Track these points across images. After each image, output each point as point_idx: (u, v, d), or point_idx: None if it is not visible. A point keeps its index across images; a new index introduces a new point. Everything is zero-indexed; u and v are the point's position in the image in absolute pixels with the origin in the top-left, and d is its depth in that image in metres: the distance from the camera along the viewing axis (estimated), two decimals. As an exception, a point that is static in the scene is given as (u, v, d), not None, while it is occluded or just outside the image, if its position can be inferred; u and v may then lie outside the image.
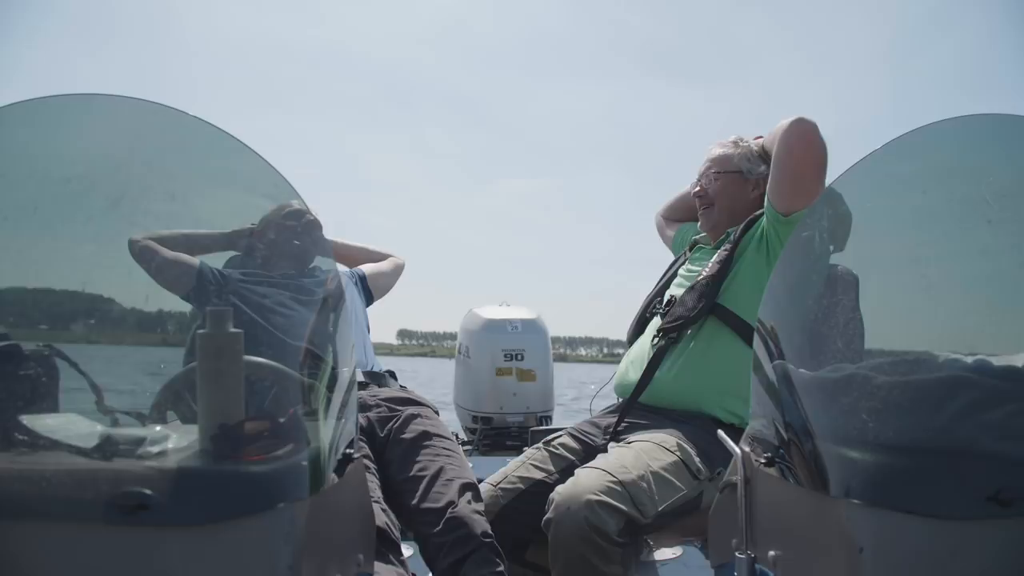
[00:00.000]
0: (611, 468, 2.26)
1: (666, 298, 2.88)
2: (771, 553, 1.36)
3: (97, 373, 1.33)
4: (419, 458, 2.54)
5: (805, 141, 2.43)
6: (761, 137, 2.89)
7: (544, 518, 2.23)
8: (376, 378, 3.04)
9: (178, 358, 1.38)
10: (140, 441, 1.18)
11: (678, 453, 2.40)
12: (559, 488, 2.25)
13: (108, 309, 1.40)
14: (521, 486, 2.56)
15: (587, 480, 2.21)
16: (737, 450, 1.48)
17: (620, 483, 2.20)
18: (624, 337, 3.04)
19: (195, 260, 1.63)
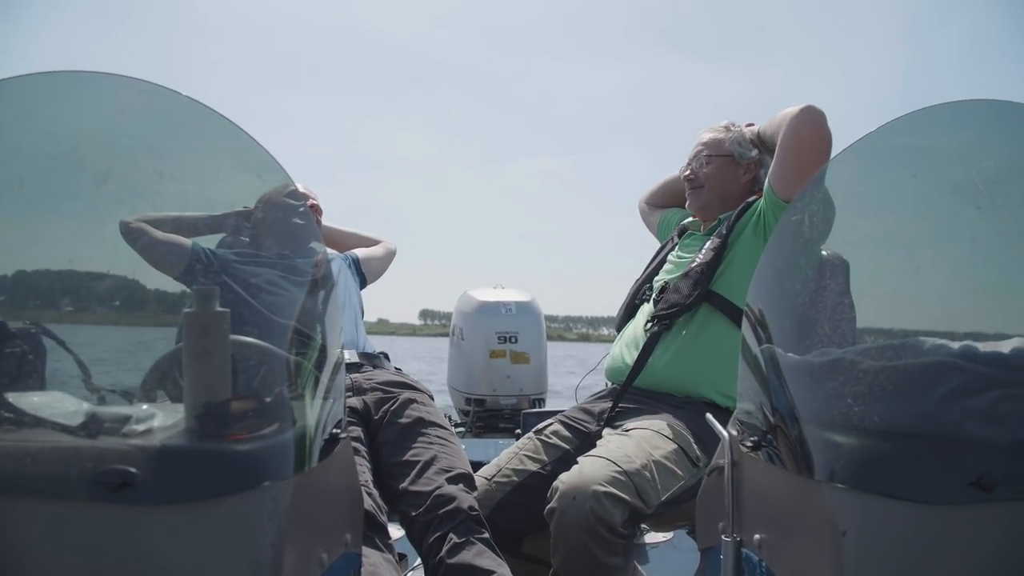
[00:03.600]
0: (615, 458, 2.24)
1: (656, 284, 2.86)
2: (756, 536, 1.36)
3: (85, 351, 1.33)
4: (414, 444, 2.54)
5: (814, 128, 2.44)
6: (753, 124, 2.89)
7: (547, 507, 2.21)
8: (370, 359, 3.04)
9: (166, 336, 1.38)
10: (125, 419, 1.18)
11: (677, 441, 2.39)
12: (563, 477, 2.23)
13: (95, 287, 1.40)
14: (516, 478, 2.54)
15: (591, 470, 2.20)
16: (724, 434, 1.48)
17: (625, 473, 2.19)
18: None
19: (187, 241, 1.63)
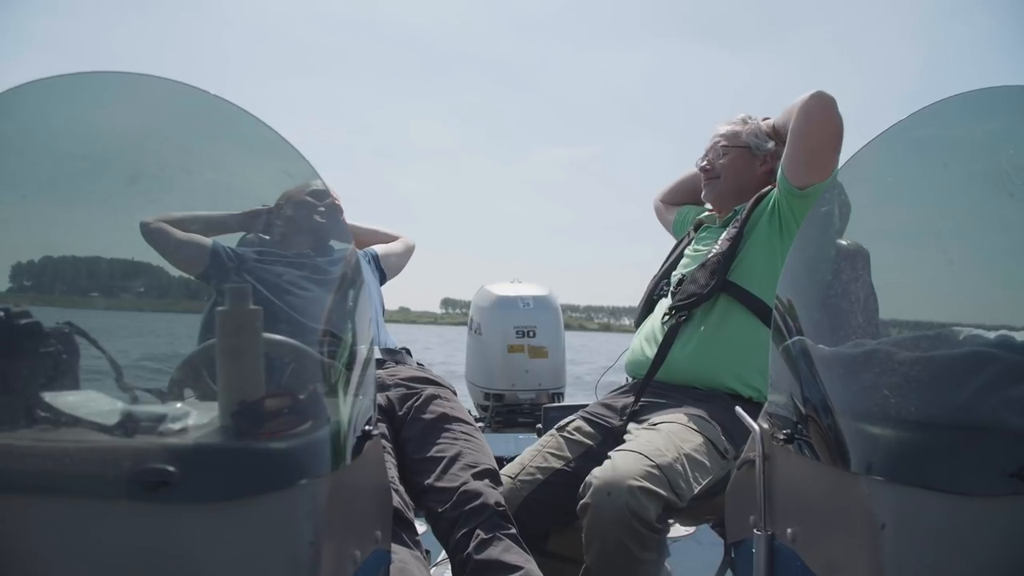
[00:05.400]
0: (647, 451, 2.22)
1: (674, 279, 2.87)
2: (790, 530, 1.36)
3: (117, 348, 1.33)
4: (439, 440, 2.54)
5: (824, 114, 2.42)
6: (769, 118, 2.89)
7: (580, 503, 2.20)
8: (393, 354, 3.04)
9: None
10: (161, 418, 1.18)
11: (705, 433, 2.39)
12: (596, 472, 2.21)
13: (126, 285, 1.41)
14: (540, 476, 2.53)
15: (625, 465, 2.18)
16: (755, 427, 1.48)
17: (658, 467, 2.17)
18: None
19: (208, 240, 1.63)
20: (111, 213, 1.39)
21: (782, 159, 2.60)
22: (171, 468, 1.10)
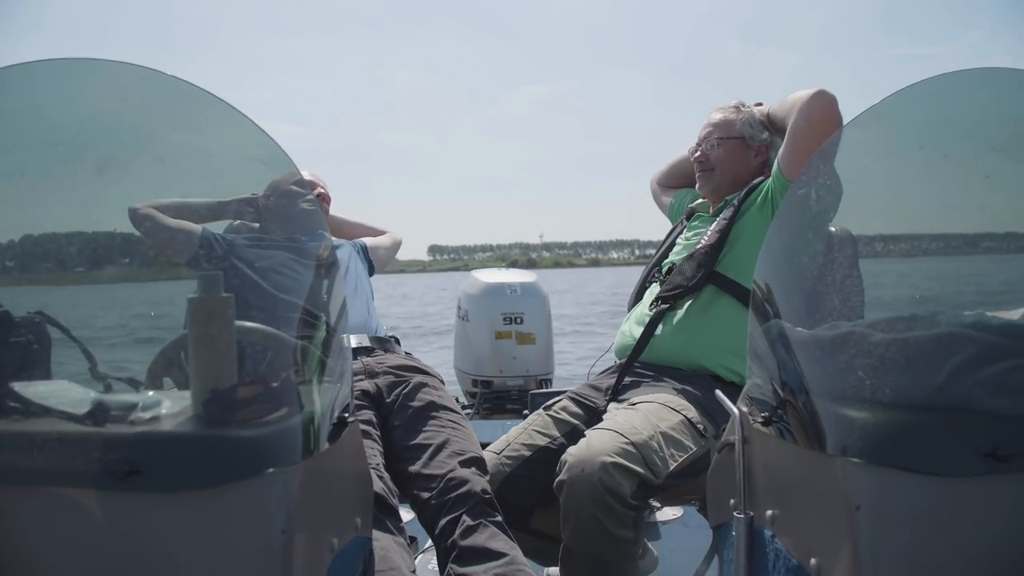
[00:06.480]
0: (622, 429, 2.25)
1: (665, 266, 2.88)
2: (769, 512, 1.35)
3: (90, 337, 1.33)
4: (425, 428, 2.55)
5: (826, 113, 2.44)
6: (762, 104, 2.90)
7: (556, 480, 2.22)
8: (382, 343, 3.05)
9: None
10: (132, 407, 1.17)
11: (683, 412, 2.41)
12: (571, 450, 2.24)
13: (96, 274, 1.40)
14: (526, 453, 2.55)
15: (599, 442, 2.20)
16: (735, 410, 1.47)
17: (632, 444, 2.20)
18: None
19: (196, 226, 1.62)
20: (81, 201, 1.38)
21: (779, 154, 2.61)
22: (141, 457, 1.09)
